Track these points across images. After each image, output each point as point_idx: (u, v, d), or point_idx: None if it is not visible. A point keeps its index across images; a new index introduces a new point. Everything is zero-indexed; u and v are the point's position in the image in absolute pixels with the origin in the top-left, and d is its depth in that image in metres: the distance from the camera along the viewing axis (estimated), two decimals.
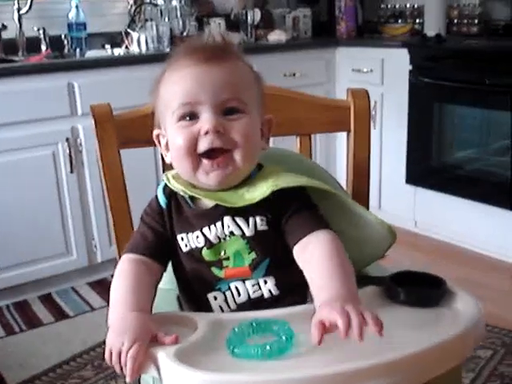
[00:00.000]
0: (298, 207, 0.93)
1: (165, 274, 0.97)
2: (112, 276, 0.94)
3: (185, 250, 0.96)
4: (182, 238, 0.96)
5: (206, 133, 0.90)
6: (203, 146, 0.91)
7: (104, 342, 0.82)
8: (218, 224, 0.93)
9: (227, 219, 0.93)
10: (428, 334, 0.78)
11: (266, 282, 0.93)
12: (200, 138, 0.91)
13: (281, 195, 0.92)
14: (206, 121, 0.90)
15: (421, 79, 2.84)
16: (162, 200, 0.99)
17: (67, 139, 2.50)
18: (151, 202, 1.01)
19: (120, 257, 0.98)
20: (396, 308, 0.86)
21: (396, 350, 0.73)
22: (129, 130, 1.07)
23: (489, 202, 2.69)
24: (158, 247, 0.97)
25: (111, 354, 0.79)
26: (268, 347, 0.75)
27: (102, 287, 2.60)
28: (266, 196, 0.91)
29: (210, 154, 0.91)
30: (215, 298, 0.94)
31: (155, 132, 1.00)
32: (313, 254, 0.87)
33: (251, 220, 0.93)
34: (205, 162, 0.92)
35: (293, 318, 0.82)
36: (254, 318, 0.82)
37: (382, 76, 3.06)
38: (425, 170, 3.00)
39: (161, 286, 0.95)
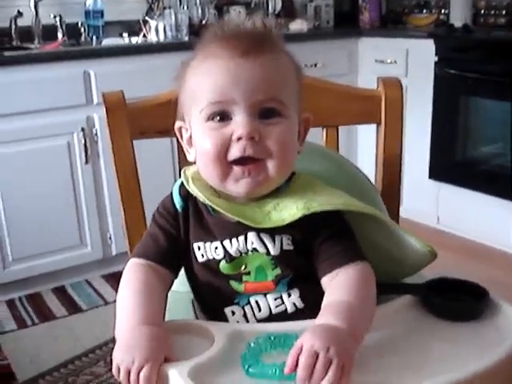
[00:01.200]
0: (331, 234, 0.83)
1: (179, 276, 0.90)
2: None
3: (201, 260, 0.87)
4: (199, 248, 0.87)
5: (239, 138, 0.79)
6: (234, 153, 0.80)
7: (114, 340, 0.75)
8: (241, 238, 0.84)
9: (252, 235, 0.84)
10: (472, 353, 0.70)
11: (289, 295, 0.84)
12: (232, 143, 0.80)
13: (313, 217, 0.82)
14: (239, 124, 0.80)
15: (447, 71, 2.75)
16: (178, 202, 0.89)
17: (82, 129, 2.45)
18: (165, 201, 0.91)
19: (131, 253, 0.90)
20: (433, 321, 0.79)
21: (436, 370, 0.65)
22: (143, 120, 1.01)
23: None
24: (171, 253, 0.87)
25: (119, 368, 0.72)
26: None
27: (117, 280, 2.50)
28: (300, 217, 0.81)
29: (241, 160, 0.81)
30: (233, 313, 0.85)
31: (177, 124, 0.90)
32: (339, 282, 0.80)
33: (277, 238, 0.83)
34: (236, 168, 0.81)
35: None
36: (274, 332, 0.74)
37: (406, 67, 2.98)
38: (448, 165, 2.92)
39: (174, 288, 0.88)
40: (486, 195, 2.73)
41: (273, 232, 0.83)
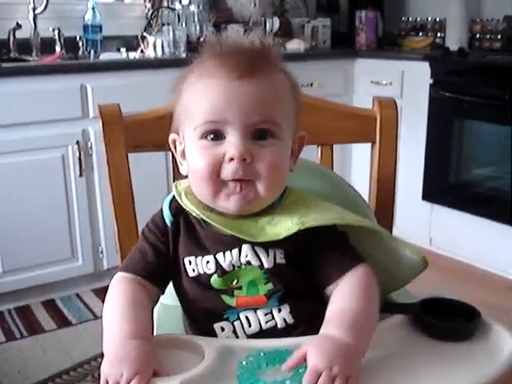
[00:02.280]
0: (327, 246, 0.84)
1: (170, 290, 0.89)
2: None
3: (191, 274, 0.86)
4: (190, 262, 0.86)
5: (231, 159, 0.80)
6: (226, 174, 0.81)
7: (103, 355, 0.74)
8: (235, 251, 0.84)
9: (246, 248, 0.84)
10: (464, 373, 0.70)
11: (280, 311, 0.83)
12: (224, 163, 0.81)
13: (307, 232, 0.82)
14: (232, 145, 0.80)
15: (441, 93, 2.77)
16: (168, 217, 0.89)
17: (77, 142, 2.45)
18: (155, 217, 0.91)
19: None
20: (425, 340, 0.78)
21: None
22: (139, 133, 1.00)
23: (507, 222, 2.61)
24: (159, 269, 0.87)
25: (107, 382, 0.71)
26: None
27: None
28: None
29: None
30: (222, 329, 0.84)
31: (171, 137, 0.90)
32: (343, 290, 0.81)
33: (271, 252, 0.83)
34: (229, 183, 0.82)
35: None
36: (264, 348, 0.73)
37: (401, 89, 3.00)
38: (442, 187, 2.93)
39: (165, 301, 0.88)
40: (478, 217, 2.73)
41: (266, 245, 0.83)
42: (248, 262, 0.83)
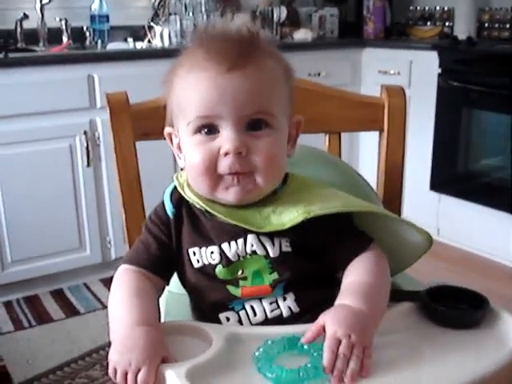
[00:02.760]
0: (335, 231, 0.84)
1: (177, 278, 0.89)
2: None
3: (196, 265, 0.86)
4: (194, 253, 0.86)
5: (226, 154, 0.80)
6: (223, 168, 0.80)
7: (109, 345, 0.75)
8: (240, 241, 0.84)
9: (251, 237, 0.83)
10: (471, 361, 0.70)
11: (285, 299, 0.83)
12: (219, 157, 0.80)
13: (312, 219, 0.81)
14: (226, 139, 0.80)
15: (450, 83, 2.75)
16: (170, 209, 0.88)
17: (85, 132, 2.45)
18: (157, 208, 0.90)
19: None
20: (433, 328, 0.78)
21: (434, 377, 0.65)
22: (147, 121, 1.00)
23: None
24: (162, 261, 0.87)
25: (115, 371, 0.71)
26: (304, 371, 0.67)
27: None
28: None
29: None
30: (228, 319, 0.84)
31: (167, 130, 0.90)
32: (357, 265, 0.83)
33: (276, 241, 0.83)
34: (226, 177, 0.81)
35: (322, 336, 0.72)
36: (271, 335, 0.73)
37: (409, 78, 2.98)
38: (450, 177, 2.92)
39: (173, 289, 0.88)
40: (486, 208, 2.72)
41: (272, 234, 0.83)
42: (253, 252, 0.83)
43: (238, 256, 0.83)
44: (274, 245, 0.83)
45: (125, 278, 0.85)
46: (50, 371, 1.98)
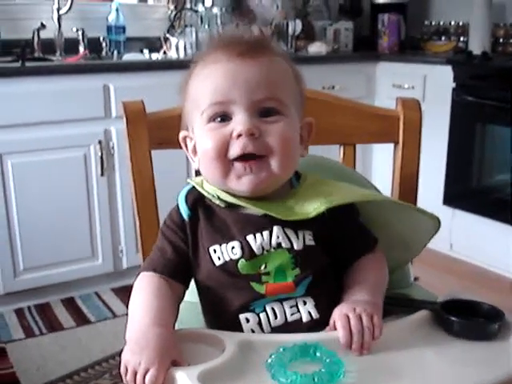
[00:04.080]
0: (350, 226, 0.88)
1: (191, 286, 0.89)
2: None
3: (218, 263, 0.85)
4: (215, 251, 0.85)
5: (239, 136, 0.80)
6: (235, 150, 0.81)
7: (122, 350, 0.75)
8: (266, 233, 0.83)
9: (277, 229, 0.83)
10: (484, 372, 0.69)
11: (305, 303, 0.83)
12: (232, 141, 0.81)
13: (332, 211, 0.83)
14: (239, 122, 0.81)
15: (464, 97, 2.75)
16: (185, 211, 0.88)
17: (100, 142, 2.47)
18: (172, 213, 0.90)
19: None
20: (447, 339, 0.78)
21: None
22: (162, 130, 1.01)
23: None
24: (180, 265, 0.87)
25: (126, 369, 0.72)
26: (318, 376, 0.67)
27: (126, 294, 2.52)
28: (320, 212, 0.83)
29: (243, 157, 0.82)
30: (247, 320, 0.83)
31: (182, 134, 0.91)
32: (360, 266, 0.88)
33: (300, 233, 0.84)
34: (237, 165, 0.82)
35: (334, 343, 0.73)
36: (302, 341, 0.73)
37: (423, 93, 2.98)
38: (463, 192, 2.90)
39: (186, 298, 0.88)
40: (500, 223, 2.70)
41: (296, 226, 0.83)
42: (278, 245, 0.83)
43: (263, 249, 0.83)
44: (298, 237, 0.83)
45: (144, 283, 0.86)
46: (60, 379, 1.97)
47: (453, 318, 0.79)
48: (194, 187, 0.90)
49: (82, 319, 2.41)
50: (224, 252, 0.84)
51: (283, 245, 0.83)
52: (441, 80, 2.87)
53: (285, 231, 0.83)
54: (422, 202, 2.92)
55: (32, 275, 2.46)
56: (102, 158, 2.47)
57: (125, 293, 2.58)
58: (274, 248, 0.83)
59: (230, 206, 0.86)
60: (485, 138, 2.84)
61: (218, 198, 0.86)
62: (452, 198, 2.92)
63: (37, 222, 2.42)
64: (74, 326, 2.35)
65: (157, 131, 1.01)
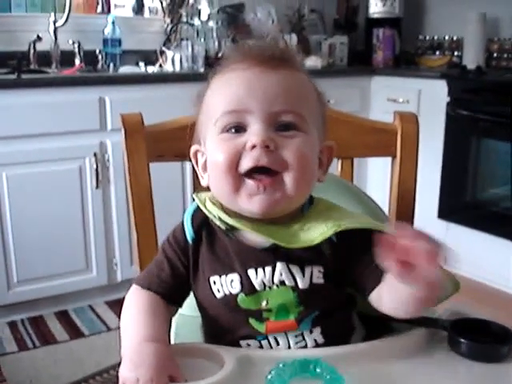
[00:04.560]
0: (365, 253, 0.75)
1: (191, 300, 0.87)
2: None
3: (218, 295, 0.79)
4: (215, 282, 0.79)
5: (253, 147, 0.73)
6: (247, 163, 0.73)
7: (118, 365, 0.74)
8: (268, 269, 0.77)
9: (281, 266, 0.76)
10: None
11: (311, 332, 0.78)
12: (245, 153, 0.74)
13: (343, 238, 0.76)
14: (253, 133, 0.74)
15: (458, 112, 2.76)
16: (190, 233, 0.82)
17: (95, 154, 2.46)
18: (176, 230, 0.84)
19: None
20: (456, 359, 0.76)
21: None
22: (161, 143, 1.01)
23: None
24: (174, 288, 0.83)
25: None
26: None
27: (120, 307, 2.52)
28: (328, 237, 0.75)
29: (256, 174, 0.74)
30: (248, 345, 0.79)
31: (193, 148, 0.84)
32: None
33: (307, 270, 0.76)
34: (249, 182, 0.74)
35: (335, 359, 0.72)
36: (302, 357, 0.71)
37: (418, 107, 2.99)
38: (458, 206, 2.91)
39: (184, 312, 0.86)
40: (494, 237, 2.71)
41: (303, 262, 0.77)
42: (281, 282, 0.77)
43: (264, 285, 0.77)
44: (304, 275, 0.77)
45: (136, 297, 0.83)
46: None
47: (462, 340, 0.77)
48: None
49: (75, 332, 2.39)
50: (224, 284, 0.79)
51: (287, 283, 0.77)
52: (435, 94, 2.89)
53: (289, 268, 0.77)
54: (416, 216, 2.93)
55: (26, 288, 2.44)
56: (97, 170, 2.47)
57: (119, 306, 2.51)
58: (277, 285, 0.77)
59: (230, 228, 0.79)
60: (479, 151, 2.85)
61: (219, 218, 0.80)
62: (446, 211, 2.92)
63: (31, 234, 2.41)
64: (68, 340, 2.33)
65: (154, 144, 1.01)
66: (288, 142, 0.75)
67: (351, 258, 0.77)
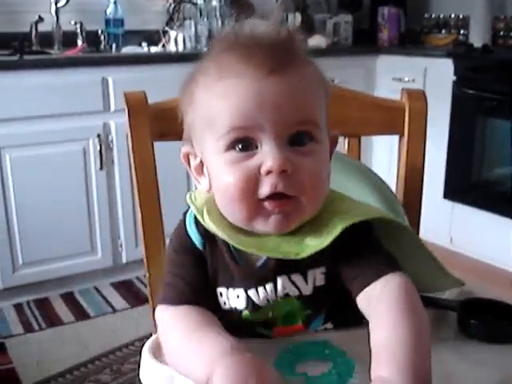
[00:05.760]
0: (360, 246, 0.72)
1: None
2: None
3: (224, 307, 0.75)
4: (221, 294, 0.75)
5: (269, 172, 0.67)
6: (265, 190, 0.68)
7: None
8: (269, 286, 0.73)
9: (282, 279, 0.72)
10: (501, 377, 0.67)
11: (324, 326, 0.76)
12: (260, 177, 0.68)
13: (344, 236, 0.70)
14: (268, 156, 0.67)
15: (465, 90, 2.74)
16: (197, 239, 0.76)
17: (98, 135, 2.45)
18: (180, 234, 0.77)
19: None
20: (466, 341, 0.75)
21: None
22: (164, 121, 0.99)
23: None
24: (204, 292, 0.74)
25: None
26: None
27: (126, 288, 2.55)
28: (338, 235, 0.70)
29: (272, 195, 0.69)
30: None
31: (184, 150, 0.77)
32: (379, 309, 0.67)
33: (310, 276, 0.73)
34: (267, 204, 0.69)
35: (343, 342, 0.70)
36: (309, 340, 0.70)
37: (423, 86, 2.96)
38: (464, 186, 2.89)
39: None
40: (500, 217, 2.70)
41: (305, 267, 0.73)
42: (286, 295, 0.73)
43: (268, 301, 0.74)
44: (307, 282, 0.73)
45: (175, 316, 0.72)
46: (60, 374, 1.97)
47: (472, 321, 0.76)
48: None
49: (81, 314, 2.40)
50: (230, 298, 0.75)
51: (291, 294, 0.73)
52: (441, 73, 2.86)
53: (291, 279, 0.73)
54: (422, 196, 2.88)
55: (31, 270, 2.45)
56: (100, 151, 2.46)
57: (124, 287, 2.57)
58: (281, 297, 0.73)
59: (233, 247, 0.74)
60: (485, 131, 2.83)
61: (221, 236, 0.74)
62: (452, 191, 2.91)
63: (35, 217, 2.41)
64: (74, 321, 2.34)
65: (158, 123, 0.99)
66: (304, 162, 0.69)
67: (348, 253, 0.73)
